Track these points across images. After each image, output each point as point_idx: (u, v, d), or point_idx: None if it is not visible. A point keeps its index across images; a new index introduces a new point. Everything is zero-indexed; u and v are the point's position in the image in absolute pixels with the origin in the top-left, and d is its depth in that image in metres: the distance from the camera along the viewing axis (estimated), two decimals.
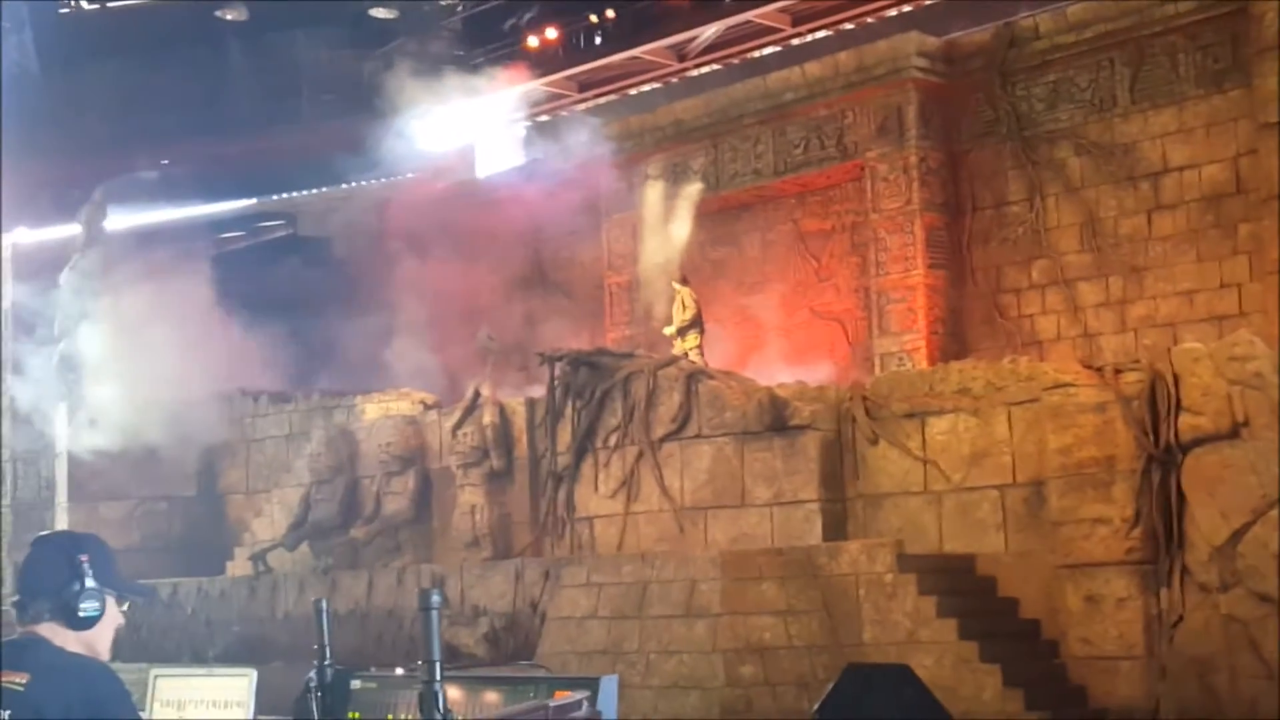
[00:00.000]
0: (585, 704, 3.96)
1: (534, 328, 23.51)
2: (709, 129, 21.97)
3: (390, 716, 4.44)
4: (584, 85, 27.00)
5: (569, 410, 17.46)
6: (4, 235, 22.94)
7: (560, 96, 27.31)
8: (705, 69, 25.68)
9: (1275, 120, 16.58)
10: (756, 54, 24.98)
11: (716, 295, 21.42)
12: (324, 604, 4.54)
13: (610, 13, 25.38)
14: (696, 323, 20.05)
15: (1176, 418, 12.49)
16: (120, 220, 24.22)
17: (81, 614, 3.96)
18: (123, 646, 4.28)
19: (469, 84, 25.86)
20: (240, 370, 22.46)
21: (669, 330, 20.26)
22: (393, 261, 25.05)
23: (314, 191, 29.61)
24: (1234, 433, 12.19)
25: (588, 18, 25.64)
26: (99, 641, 4.04)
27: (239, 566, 21.01)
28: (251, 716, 4.98)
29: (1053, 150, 19.03)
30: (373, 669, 4.66)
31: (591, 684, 4.07)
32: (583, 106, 27.13)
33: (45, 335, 21.80)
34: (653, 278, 21.94)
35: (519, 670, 4.52)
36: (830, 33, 23.87)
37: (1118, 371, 13.50)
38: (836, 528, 15.03)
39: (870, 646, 13.38)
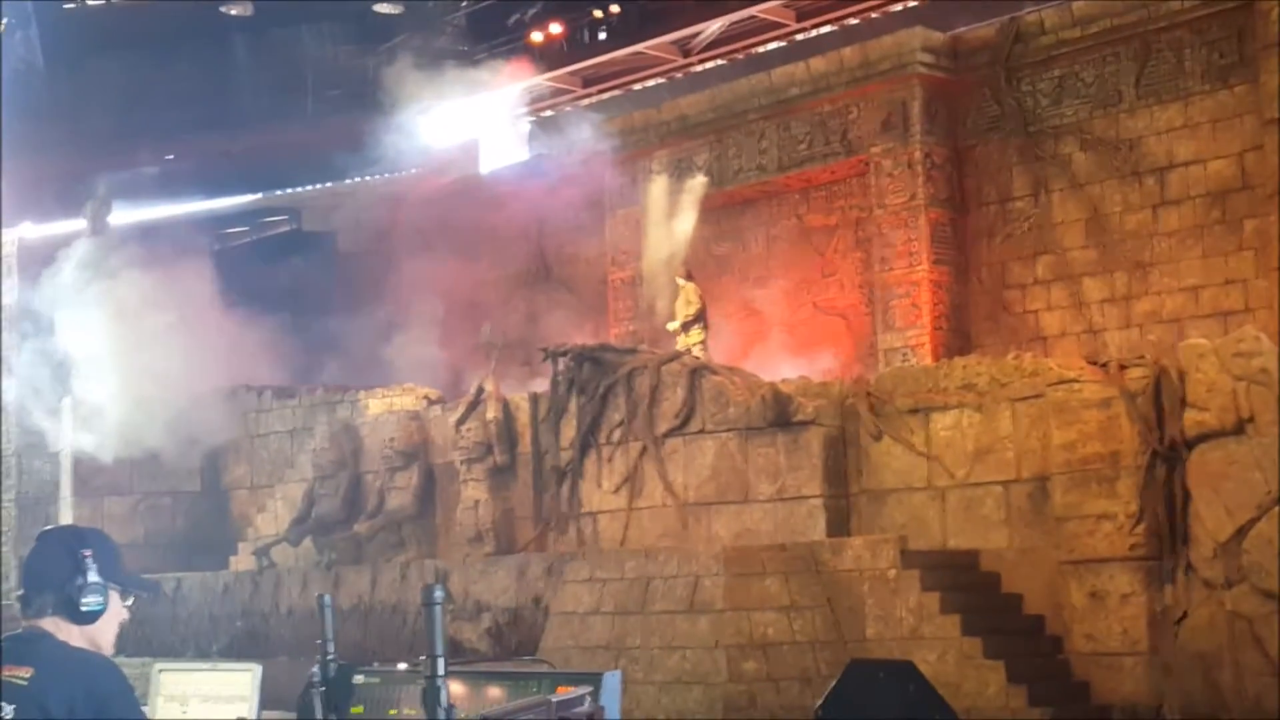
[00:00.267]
0: (588, 699, 3.96)
1: (537, 323, 23.51)
2: (713, 124, 21.96)
3: (393, 711, 4.43)
4: (588, 81, 26.99)
5: (572, 406, 17.45)
6: (9, 230, 23.00)
7: (564, 92, 27.30)
8: (709, 64, 25.66)
9: None
10: (761, 49, 24.96)
11: (720, 291, 21.41)
12: (327, 599, 4.53)
13: (614, 8, 25.36)
14: (700, 318, 20.04)
15: (1181, 413, 12.48)
16: (124, 215, 24.21)
17: (84, 608, 3.96)
18: (126, 641, 4.28)
19: (473, 79, 25.86)
20: (244, 365, 22.45)
21: (673, 325, 20.26)
22: (396, 257, 25.07)
23: (318, 187, 29.62)
24: (1239, 429, 12.18)
25: (591, 13, 25.62)
26: (102, 636, 4.04)
27: (242, 561, 21.03)
28: (255, 712, 4.98)
29: (1058, 146, 19.01)
30: (376, 664, 4.66)
31: (594, 679, 4.07)
32: (587, 102, 27.12)
33: (50, 330, 21.79)
34: (656, 273, 21.95)
35: (522, 665, 4.51)
36: (835, 28, 23.85)
37: (1122, 367, 13.48)
38: (840, 523, 15.03)
39: (873, 642, 13.38)
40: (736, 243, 22.14)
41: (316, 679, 4.37)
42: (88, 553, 4.00)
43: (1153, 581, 12.57)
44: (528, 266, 25.42)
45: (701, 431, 16.19)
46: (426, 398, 21.34)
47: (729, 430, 15.91)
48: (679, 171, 22.27)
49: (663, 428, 16.49)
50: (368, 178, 27.88)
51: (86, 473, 21.68)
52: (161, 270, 21.56)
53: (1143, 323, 18.02)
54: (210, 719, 4.99)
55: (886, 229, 19.77)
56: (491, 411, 18.32)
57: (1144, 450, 12.67)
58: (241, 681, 5.03)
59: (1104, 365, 13.86)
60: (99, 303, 21.25)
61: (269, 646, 17.95)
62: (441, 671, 3.50)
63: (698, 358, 18.38)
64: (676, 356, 17.50)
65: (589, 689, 4.00)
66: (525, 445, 18.18)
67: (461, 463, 18.55)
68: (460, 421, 18.64)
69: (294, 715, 4.46)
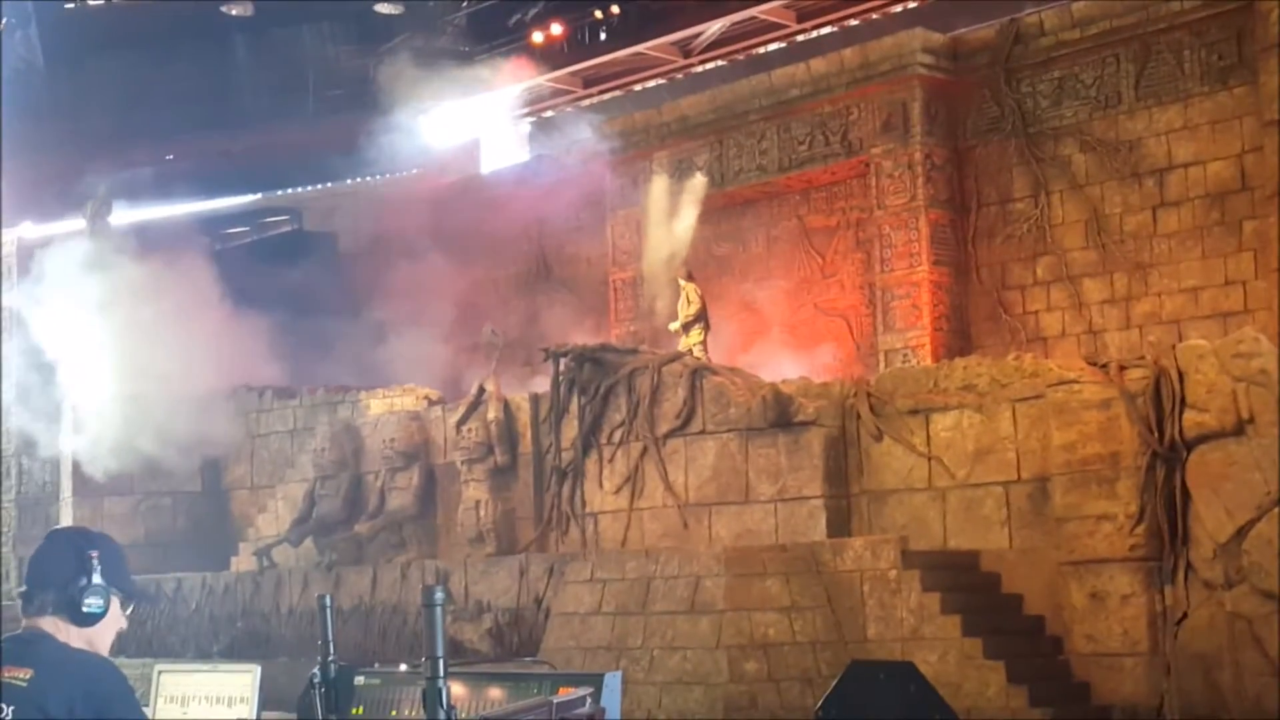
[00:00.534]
0: (589, 700, 3.96)
1: (538, 323, 23.52)
2: (714, 125, 21.97)
3: (394, 713, 4.44)
4: (589, 81, 26.99)
5: (573, 406, 17.46)
6: (9, 230, 23.01)
7: (565, 92, 27.30)
8: (710, 65, 25.66)
9: None
10: (761, 50, 24.96)
11: (721, 291, 21.42)
12: (328, 600, 4.54)
13: (615, 9, 25.36)
14: (700, 318, 20.04)
15: (1181, 414, 12.48)
16: (125, 215, 24.21)
17: (85, 609, 3.97)
18: (127, 642, 4.29)
19: (473, 80, 25.87)
20: (244, 365, 22.45)
21: (674, 326, 20.27)
22: (397, 257, 25.07)
23: (318, 187, 29.63)
24: (1239, 429, 12.18)
25: (592, 14, 25.62)
26: (100, 640, 4.04)
27: (243, 562, 21.03)
28: (255, 712, 4.98)
29: (1058, 147, 19.02)
30: (377, 665, 4.66)
31: (595, 680, 4.07)
32: (587, 102, 27.13)
33: (49, 330, 21.79)
34: (657, 273, 21.95)
35: (523, 666, 4.51)
36: (835, 29, 23.85)
37: (1122, 368, 13.49)
38: (840, 524, 15.03)
39: (874, 643, 13.38)
40: (737, 243, 22.15)
41: (317, 680, 4.38)
42: (94, 554, 4.01)
43: (1153, 582, 12.57)
44: (528, 267, 25.43)
45: (702, 432, 16.19)
46: (427, 398, 21.34)
47: (730, 431, 15.91)
48: (679, 172, 22.27)
49: (664, 428, 16.49)
50: (368, 178, 27.89)
51: (87, 473, 21.70)
52: (162, 270, 21.56)
53: (1142, 324, 18.02)
54: (210, 719, 4.99)
55: (887, 230, 19.77)
56: (492, 412, 18.32)
57: (1144, 451, 12.67)
58: (242, 682, 5.04)
59: (1104, 366, 13.86)
60: (99, 302, 21.25)
61: (269, 647, 17.95)
62: (442, 673, 3.50)
63: (699, 358, 18.39)
64: (677, 357, 17.49)
65: (590, 690, 4.01)
66: (526, 445, 18.18)
67: (462, 463, 18.56)
68: (461, 422, 18.65)
69: (294, 716, 4.47)
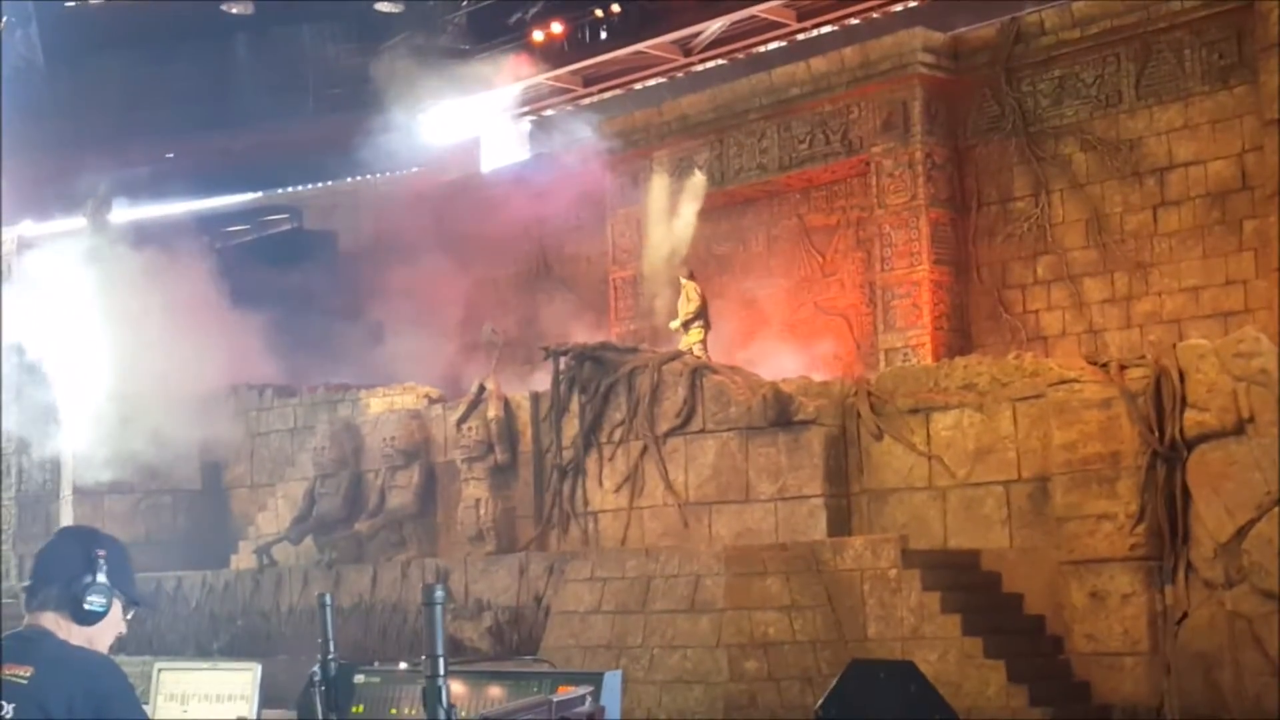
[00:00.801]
0: (589, 699, 3.95)
1: (538, 322, 23.53)
2: (714, 124, 21.96)
3: (394, 711, 4.43)
4: (589, 80, 27.00)
5: (574, 405, 17.46)
6: (9, 229, 23.01)
7: (565, 91, 27.30)
8: (710, 64, 25.67)
9: None
10: (761, 49, 24.97)
11: (721, 290, 21.42)
12: (328, 598, 4.54)
13: (615, 7, 25.36)
14: (699, 315, 20.04)
15: (1181, 414, 12.48)
16: (125, 214, 24.22)
17: (87, 606, 3.97)
18: (127, 639, 4.28)
19: (473, 78, 25.88)
20: (245, 364, 22.46)
21: (674, 324, 20.27)
22: (397, 256, 25.07)
23: (318, 186, 29.65)
24: (1239, 429, 12.18)
25: (593, 12, 25.63)
26: (99, 641, 4.04)
27: (243, 560, 21.03)
28: (255, 711, 4.98)
29: (1058, 146, 19.01)
30: (377, 663, 4.66)
31: (595, 679, 4.06)
32: (587, 101, 27.14)
33: (48, 329, 21.79)
34: (657, 272, 21.96)
35: (523, 665, 4.51)
36: (835, 28, 23.86)
37: (1123, 367, 13.48)
38: (841, 523, 15.03)
39: (874, 642, 13.37)
40: (737, 242, 22.14)
41: (317, 678, 4.37)
42: (102, 553, 4.02)
43: (1153, 582, 12.56)
44: (528, 265, 25.43)
45: (702, 431, 16.19)
46: (427, 396, 21.34)
47: (730, 429, 15.91)
48: (680, 171, 22.27)
49: (664, 427, 16.49)
50: (368, 176, 27.90)
51: (86, 471, 21.69)
52: (162, 269, 21.56)
53: (1143, 323, 18.02)
54: (210, 718, 4.99)
55: (887, 229, 19.77)
56: (493, 410, 18.32)
57: (1144, 450, 12.67)
58: (242, 680, 5.03)
59: (1104, 365, 13.86)
60: (99, 301, 21.24)
61: (269, 645, 17.94)
62: (442, 671, 3.50)
63: (699, 357, 18.40)
64: (678, 356, 17.50)
65: (590, 689, 4.00)
66: (526, 444, 18.18)
67: (462, 461, 18.56)
68: (461, 420, 18.65)
69: (294, 714, 4.46)
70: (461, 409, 18.78)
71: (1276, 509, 11.82)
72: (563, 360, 17.67)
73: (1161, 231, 18.07)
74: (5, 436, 22.87)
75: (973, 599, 13.46)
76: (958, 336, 19.36)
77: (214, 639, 19.28)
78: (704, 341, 19.87)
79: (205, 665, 5.36)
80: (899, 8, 22.95)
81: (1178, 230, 17.92)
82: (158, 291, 21.04)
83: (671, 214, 21.94)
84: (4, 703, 3.81)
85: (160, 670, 5.15)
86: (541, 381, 18.41)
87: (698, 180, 21.86)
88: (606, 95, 26.91)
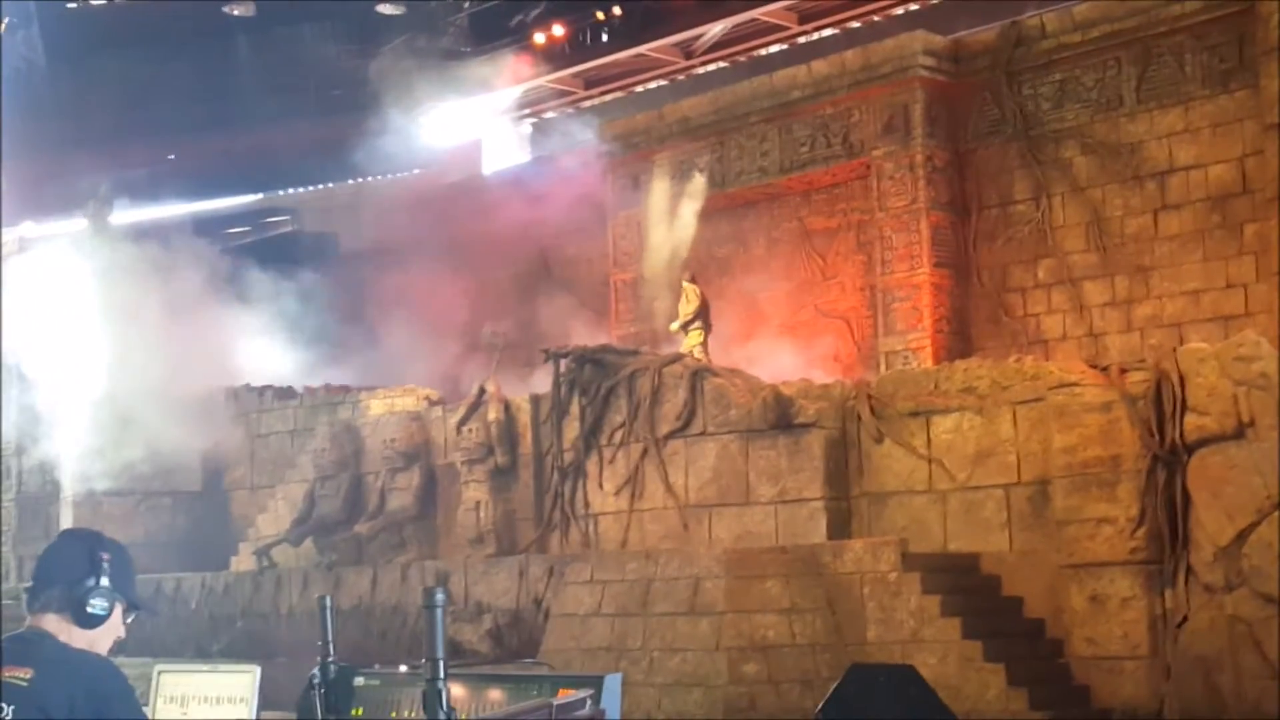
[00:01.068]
0: (589, 702, 3.95)
1: (539, 324, 23.52)
2: (715, 127, 21.97)
3: (394, 714, 4.43)
4: (590, 82, 27.02)
5: (574, 407, 17.45)
6: (9, 229, 23.00)
7: (566, 93, 27.32)
8: (711, 67, 25.70)
9: None
10: (763, 52, 25.00)
11: (722, 293, 21.42)
12: (328, 600, 4.54)
13: (617, 10, 25.39)
14: (699, 317, 20.05)
15: (1182, 418, 12.47)
16: (125, 215, 24.23)
17: (90, 610, 3.97)
18: (127, 641, 4.28)
19: (475, 80, 25.90)
20: (245, 365, 22.46)
21: (674, 326, 20.28)
22: (397, 257, 25.08)
23: (319, 187, 29.67)
24: (1239, 433, 12.17)
25: (594, 15, 25.66)
26: (99, 645, 4.04)
27: (243, 562, 21.03)
28: (255, 713, 4.97)
29: (1059, 149, 19.02)
30: (376, 666, 4.65)
31: (595, 682, 4.06)
32: (588, 103, 27.15)
33: (48, 331, 21.79)
34: (658, 275, 21.96)
35: (522, 668, 4.51)
36: (836, 31, 23.89)
37: (1123, 371, 13.49)
38: (841, 526, 15.02)
39: (874, 645, 13.37)
40: (738, 245, 22.15)
41: (317, 680, 4.37)
42: (106, 557, 4.01)
43: (1153, 585, 12.56)
44: (529, 267, 25.43)
45: (703, 433, 16.19)
46: (428, 398, 21.33)
47: (730, 432, 15.91)
48: (680, 173, 22.28)
49: (664, 429, 16.49)
50: (369, 178, 27.91)
51: (86, 472, 21.69)
52: (162, 270, 21.57)
53: (1143, 327, 18.03)
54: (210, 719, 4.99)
55: (888, 232, 19.77)
56: (493, 412, 18.32)
57: (1144, 454, 12.66)
58: (241, 683, 5.02)
59: (1105, 369, 13.87)
60: (98, 301, 21.25)
61: (269, 647, 17.92)
62: (442, 674, 3.49)
63: (699, 360, 18.40)
64: (678, 358, 17.50)
65: (590, 692, 4.00)
66: (526, 446, 18.17)
67: (463, 464, 18.56)
68: (462, 422, 18.65)
69: (294, 717, 4.46)
70: (462, 411, 18.78)
71: (1276, 513, 11.81)
72: (563, 363, 17.67)
73: (1162, 235, 18.07)
74: (5, 437, 22.88)
75: (973, 602, 13.46)
76: (958, 340, 19.36)
77: (213, 641, 19.26)
78: (704, 344, 19.87)
79: (205, 667, 5.36)
80: (900, 11, 22.99)
81: (1178, 234, 17.93)
82: (158, 292, 21.05)
83: (672, 216, 21.95)
84: (4, 705, 3.80)
85: (160, 672, 5.15)
86: (542, 384, 18.40)
87: (698, 183, 21.87)
88: (607, 98, 26.94)
